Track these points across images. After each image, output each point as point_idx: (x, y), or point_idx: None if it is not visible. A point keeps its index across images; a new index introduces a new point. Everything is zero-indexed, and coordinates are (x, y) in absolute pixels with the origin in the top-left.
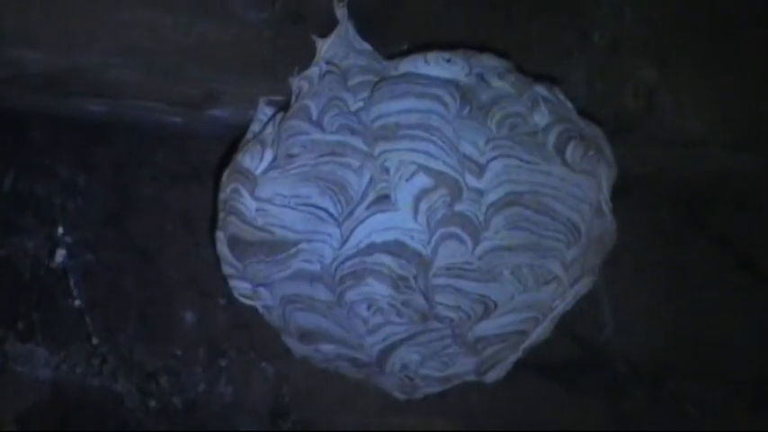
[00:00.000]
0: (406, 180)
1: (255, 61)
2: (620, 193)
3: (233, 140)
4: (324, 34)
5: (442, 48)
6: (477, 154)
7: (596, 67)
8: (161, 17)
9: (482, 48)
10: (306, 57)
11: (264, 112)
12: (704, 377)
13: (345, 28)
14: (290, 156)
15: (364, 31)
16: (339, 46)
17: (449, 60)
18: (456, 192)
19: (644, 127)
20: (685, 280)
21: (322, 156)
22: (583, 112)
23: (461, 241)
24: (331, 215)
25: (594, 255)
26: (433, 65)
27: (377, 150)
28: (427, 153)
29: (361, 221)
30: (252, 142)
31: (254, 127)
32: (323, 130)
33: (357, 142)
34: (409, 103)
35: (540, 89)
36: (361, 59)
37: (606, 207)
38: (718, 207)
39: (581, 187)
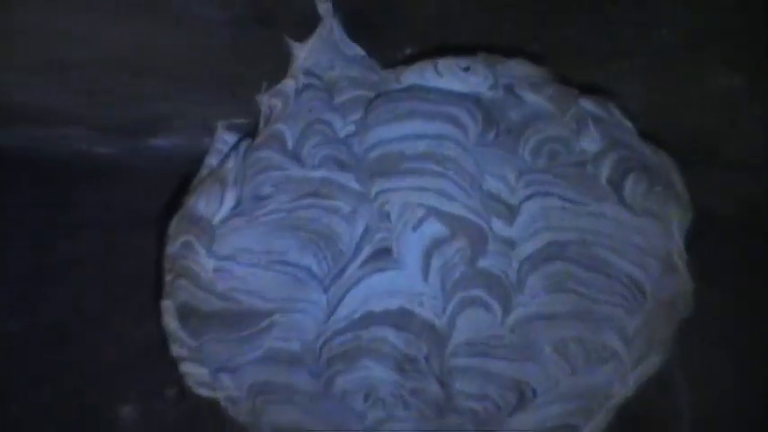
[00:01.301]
0: (413, 228)
1: (212, 73)
2: (697, 238)
3: (183, 178)
4: (302, 37)
5: (457, 52)
6: (507, 192)
7: (660, 73)
8: (88, 20)
9: (509, 51)
10: (278, 67)
11: (224, 140)
12: None
13: (330, 27)
14: (260, 198)
15: (355, 31)
16: (322, 51)
17: (467, 69)
18: (479, 242)
19: (726, 150)
20: None
21: (302, 198)
22: (645, 135)
23: (487, 308)
24: (314, 276)
25: (664, 324)
26: (447, 75)
27: (374, 190)
28: (440, 192)
29: (355, 284)
30: (208, 180)
31: (211, 160)
32: (302, 163)
33: (347, 179)
34: (416, 126)
35: (588, 105)
36: (352, 69)
37: (679, 260)
38: None
39: (645, 234)
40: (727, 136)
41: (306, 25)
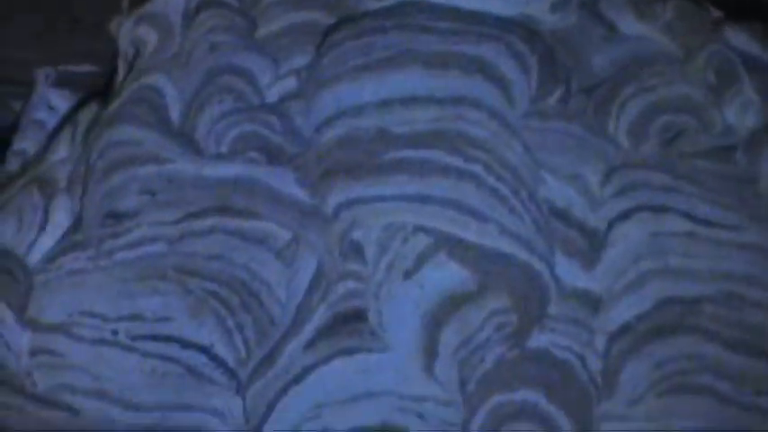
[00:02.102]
0: (407, 274)
1: None
2: None
3: None
4: None
5: None
6: (585, 205)
7: None
8: None
9: None
10: None
11: (48, 102)
12: None
13: None
14: (117, 216)
15: None
16: None
17: None
18: (532, 302)
19: None
20: None
21: (197, 216)
22: None
23: (549, 428)
24: (219, 364)
25: None
26: None
27: (331, 200)
28: (459, 206)
29: (297, 379)
30: (19, 183)
31: (23, 142)
32: (197, 150)
33: (282, 181)
34: (412, 81)
35: (740, 38)
36: None
37: None
38: None
39: None
40: None
41: None
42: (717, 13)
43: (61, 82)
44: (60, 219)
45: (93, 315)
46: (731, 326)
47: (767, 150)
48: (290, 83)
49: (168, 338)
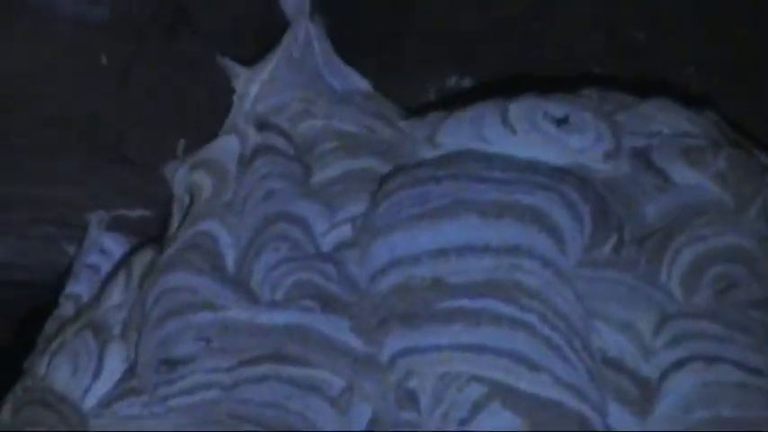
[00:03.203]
0: (462, 422)
1: (88, 131)
2: None
3: (26, 315)
4: (248, 53)
5: (542, 86)
6: (638, 355)
7: None
8: None
9: (639, 82)
10: (207, 110)
11: (102, 247)
12: None
13: (305, 37)
14: (172, 363)
15: (355, 47)
16: (289, 82)
17: (564, 120)
18: None
19: None
20: None
21: (252, 364)
22: None
23: None
24: None
25: None
26: (526, 131)
27: (387, 349)
28: (514, 355)
29: None
30: (74, 327)
31: (77, 286)
32: (252, 297)
33: (336, 329)
34: (467, 231)
35: None
36: (346, 115)
37: None
38: None
39: None
40: None
41: (260, 36)
42: (767, 160)
43: (114, 226)
44: (115, 365)
45: None
46: None
47: None
48: (346, 231)
49: None
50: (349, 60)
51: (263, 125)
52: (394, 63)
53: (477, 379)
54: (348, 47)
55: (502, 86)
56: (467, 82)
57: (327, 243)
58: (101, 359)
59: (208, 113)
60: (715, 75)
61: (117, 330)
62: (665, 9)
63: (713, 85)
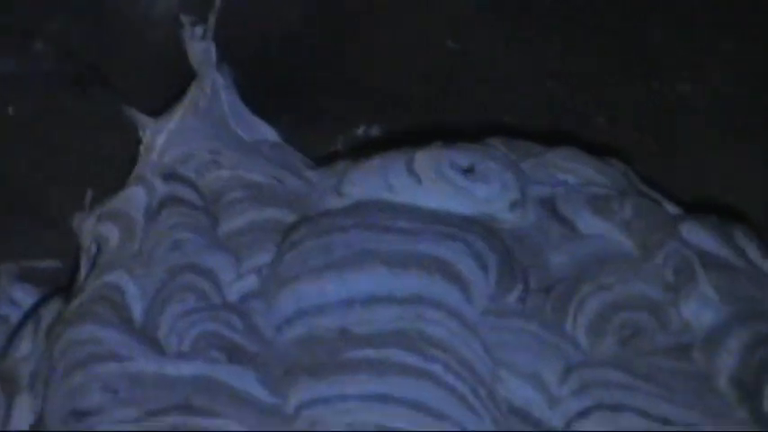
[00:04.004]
0: None
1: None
2: None
3: None
4: (154, 103)
5: (449, 136)
6: (543, 405)
7: None
8: None
9: (548, 133)
10: (112, 162)
11: (11, 299)
12: None
13: (213, 87)
14: (79, 414)
15: (263, 98)
16: (196, 132)
17: (470, 169)
18: None
19: None
20: None
21: (157, 415)
22: None
23: None
24: None
25: None
26: (433, 182)
27: (293, 401)
28: (418, 406)
29: None
30: None
31: None
32: (158, 349)
33: (243, 381)
34: (373, 281)
35: (696, 234)
36: (253, 166)
37: None
38: None
39: None
40: None
41: (161, 85)
42: (674, 210)
43: (24, 277)
44: (23, 416)
45: None
46: None
47: (724, 348)
48: (252, 281)
49: None
50: (256, 110)
51: (169, 176)
52: (302, 113)
53: (382, 429)
54: (256, 97)
55: (410, 136)
56: (374, 131)
57: (234, 293)
58: (9, 410)
59: (118, 165)
60: (627, 126)
61: (25, 382)
62: (576, 63)
63: (624, 135)
